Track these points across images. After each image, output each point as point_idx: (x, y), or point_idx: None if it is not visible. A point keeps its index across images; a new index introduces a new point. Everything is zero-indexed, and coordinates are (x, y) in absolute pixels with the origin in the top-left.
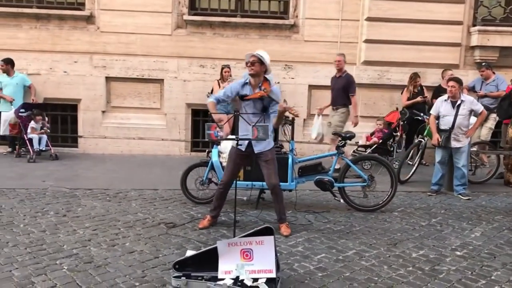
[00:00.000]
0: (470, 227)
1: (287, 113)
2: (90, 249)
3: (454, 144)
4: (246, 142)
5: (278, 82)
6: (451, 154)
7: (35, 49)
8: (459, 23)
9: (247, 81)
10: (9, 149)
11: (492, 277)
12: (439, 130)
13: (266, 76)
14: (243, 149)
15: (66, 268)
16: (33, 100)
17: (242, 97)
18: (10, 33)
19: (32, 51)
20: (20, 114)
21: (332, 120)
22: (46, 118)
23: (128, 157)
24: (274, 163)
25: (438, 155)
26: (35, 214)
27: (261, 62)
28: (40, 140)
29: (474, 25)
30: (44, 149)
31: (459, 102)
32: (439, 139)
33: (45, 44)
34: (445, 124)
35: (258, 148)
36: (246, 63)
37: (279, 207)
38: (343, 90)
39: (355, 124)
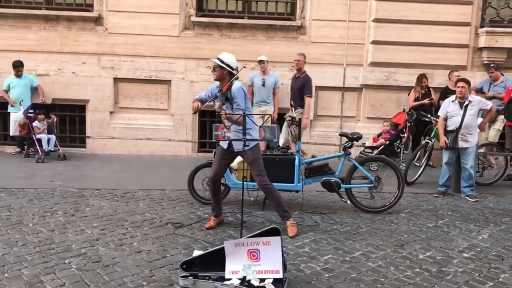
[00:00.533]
0: (477, 229)
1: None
2: (98, 248)
3: (461, 144)
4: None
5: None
6: (458, 155)
7: (44, 50)
8: (466, 24)
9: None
10: (18, 149)
11: (500, 279)
12: (446, 132)
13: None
14: (225, 147)
15: (74, 267)
16: (42, 100)
17: None
18: (20, 34)
19: (41, 52)
20: (28, 114)
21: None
22: (55, 118)
23: (136, 157)
24: (256, 164)
25: (445, 157)
26: (44, 213)
27: (221, 66)
28: (48, 140)
29: (482, 26)
30: (52, 149)
31: (466, 102)
32: (447, 141)
33: (54, 45)
34: (453, 124)
35: (236, 147)
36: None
37: (275, 205)
38: (299, 91)
39: (305, 126)
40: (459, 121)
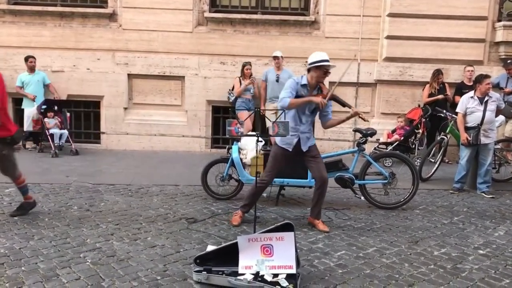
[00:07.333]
0: (493, 226)
1: None
2: (113, 243)
3: (483, 140)
4: (294, 142)
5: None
6: (476, 152)
7: (59, 46)
8: (483, 18)
9: (305, 82)
10: (34, 145)
11: None
12: (467, 128)
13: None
14: (290, 150)
15: (89, 261)
16: (55, 97)
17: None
18: (35, 31)
19: (56, 48)
20: (41, 110)
21: None
22: (68, 114)
23: (150, 153)
24: (321, 158)
25: (465, 153)
26: (59, 208)
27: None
28: (61, 135)
29: (499, 21)
30: (63, 144)
31: (486, 98)
32: (469, 138)
33: (69, 42)
34: (473, 120)
35: (305, 147)
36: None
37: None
38: None
39: None
40: (480, 117)
